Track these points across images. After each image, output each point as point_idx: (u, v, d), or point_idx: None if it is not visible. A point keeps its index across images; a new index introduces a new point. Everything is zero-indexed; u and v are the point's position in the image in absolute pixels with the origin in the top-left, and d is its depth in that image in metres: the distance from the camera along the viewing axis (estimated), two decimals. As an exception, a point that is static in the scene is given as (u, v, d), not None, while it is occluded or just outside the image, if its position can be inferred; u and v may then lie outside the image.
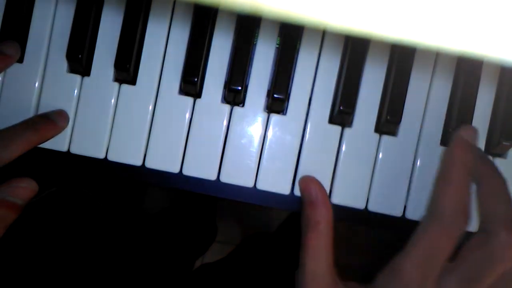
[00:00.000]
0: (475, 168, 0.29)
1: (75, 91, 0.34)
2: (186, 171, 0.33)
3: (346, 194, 0.34)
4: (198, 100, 0.34)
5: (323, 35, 0.34)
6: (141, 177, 0.34)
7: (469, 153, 0.29)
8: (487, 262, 0.27)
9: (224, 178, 0.34)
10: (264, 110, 0.34)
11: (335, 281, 0.30)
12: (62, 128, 0.33)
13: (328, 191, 0.34)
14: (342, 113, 0.33)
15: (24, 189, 0.30)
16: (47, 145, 0.33)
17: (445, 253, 0.27)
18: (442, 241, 0.27)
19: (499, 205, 0.28)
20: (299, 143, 0.34)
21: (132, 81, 0.34)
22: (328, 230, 0.30)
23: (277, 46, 0.34)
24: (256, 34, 0.34)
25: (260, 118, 0.34)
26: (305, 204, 0.31)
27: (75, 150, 0.33)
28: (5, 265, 0.48)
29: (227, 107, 0.34)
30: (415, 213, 0.34)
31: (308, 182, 0.32)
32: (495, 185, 0.29)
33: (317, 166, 0.33)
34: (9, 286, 0.47)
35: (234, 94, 0.33)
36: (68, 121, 0.33)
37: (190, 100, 0.34)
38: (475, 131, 0.30)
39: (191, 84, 0.33)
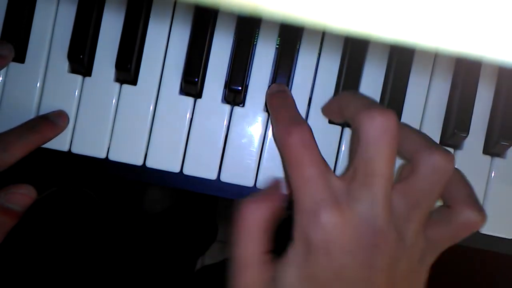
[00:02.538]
0: (337, 109, 0.31)
1: (76, 92, 0.34)
2: (187, 171, 0.34)
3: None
4: (198, 100, 0.34)
5: (323, 35, 0.34)
6: (142, 176, 0.34)
7: (281, 94, 0.32)
8: (368, 151, 0.26)
9: (224, 178, 0.34)
10: (264, 110, 0.34)
11: (264, 261, 0.28)
12: (62, 129, 0.33)
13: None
14: (341, 113, 0.33)
15: (22, 196, 0.30)
16: (48, 145, 0.33)
17: (316, 164, 0.27)
18: (305, 156, 0.27)
19: (352, 102, 0.28)
20: (299, 143, 0.34)
21: (133, 81, 0.34)
22: (263, 220, 0.28)
23: (277, 46, 0.34)
24: (256, 35, 0.34)
25: (260, 118, 0.34)
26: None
27: (76, 150, 0.34)
28: (5, 265, 0.48)
29: (227, 107, 0.34)
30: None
31: (274, 181, 0.31)
32: (347, 97, 0.30)
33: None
34: (9, 286, 0.47)
35: (234, 94, 0.33)
36: (68, 122, 0.33)
37: (190, 100, 0.34)
38: (280, 84, 0.33)
39: (192, 84, 0.33)
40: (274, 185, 0.31)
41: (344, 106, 0.29)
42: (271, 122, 0.33)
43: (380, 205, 0.26)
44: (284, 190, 0.30)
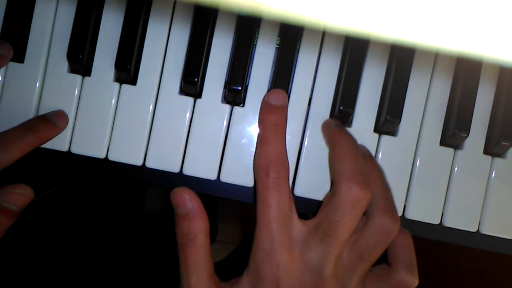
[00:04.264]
0: (327, 134, 0.33)
1: (76, 91, 0.34)
2: (187, 171, 0.34)
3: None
4: (198, 100, 0.34)
5: (323, 35, 0.34)
6: (141, 176, 0.34)
7: (274, 113, 0.31)
8: (336, 216, 0.28)
9: (224, 178, 0.34)
10: (264, 110, 0.34)
11: (212, 285, 0.30)
12: (62, 129, 0.33)
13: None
14: (342, 113, 0.33)
15: (19, 195, 0.30)
16: (48, 145, 0.33)
17: (282, 208, 0.29)
18: (274, 199, 0.29)
19: (342, 162, 0.30)
20: (299, 143, 0.34)
21: (133, 81, 0.34)
22: (206, 239, 0.30)
23: (277, 46, 0.34)
24: (256, 34, 0.34)
25: (260, 118, 0.34)
26: (179, 217, 0.30)
27: (75, 150, 0.34)
28: (5, 265, 0.48)
29: (227, 107, 0.34)
30: (415, 213, 0.34)
31: (180, 193, 0.30)
32: (340, 145, 0.31)
33: (316, 166, 0.34)
34: (9, 286, 0.47)
35: (234, 94, 0.33)
36: (67, 122, 0.33)
37: (190, 100, 0.34)
38: (280, 93, 0.32)
39: (192, 84, 0.33)
40: (192, 203, 0.30)
41: (337, 150, 0.31)
42: (257, 137, 0.32)
43: (330, 261, 0.29)
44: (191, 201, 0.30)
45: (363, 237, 0.30)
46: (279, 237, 0.29)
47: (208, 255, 0.30)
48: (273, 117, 0.31)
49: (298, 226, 0.30)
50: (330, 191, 0.33)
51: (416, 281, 0.31)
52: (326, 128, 0.33)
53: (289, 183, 0.30)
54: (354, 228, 0.29)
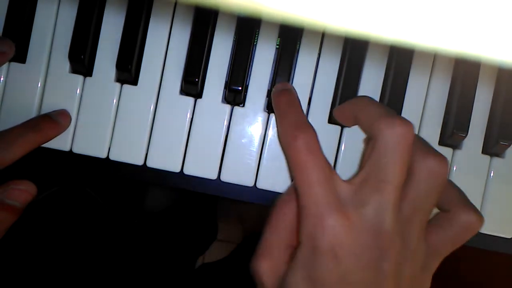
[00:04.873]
0: (343, 112, 0.32)
1: (77, 91, 0.34)
2: (187, 171, 0.34)
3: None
4: (198, 100, 0.34)
5: (323, 36, 0.34)
6: (142, 176, 0.34)
7: (285, 95, 0.32)
8: (385, 157, 0.26)
9: (224, 177, 0.34)
10: (264, 110, 0.34)
11: (288, 252, 0.28)
12: (64, 128, 0.33)
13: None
14: (341, 113, 0.33)
15: (22, 192, 0.30)
16: (50, 144, 0.34)
17: (320, 168, 0.27)
18: (310, 159, 0.27)
19: (374, 109, 0.28)
20: (299, 143, 0.34)
21: (134, 81, 0.34)
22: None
23: (277, 46, 0.34)
24: (256, 35, 0.34)
25: (260, 118, 0.34)
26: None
27: (77, 149, 0.34)
28: (6, 265, 0.48)
29: (227, 107, 0.34)
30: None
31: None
32: (363, 103, 0.30)
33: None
34: (10, 286, 0.47)
35: (234, 94, 0.33)
36: (70, 121, 0.34)
37: (191, 100, 0.34)
38: (285, 82, 0.33)
39: (192, 84, 0.33)
40: None
41: (360, 111, 0.30)
42: (276, 121, 0.33)
43: (389, 211, 0.26)
44: None
45: (411, 185, 0.27)
46: (325, 199, 0.26)
47: (292, 225, 0.28)
48: (284, 97, 0.31)
49: (344, 185, 0.27)
50: (368, 145, 0.31)
51: (481, 217, 0.28)
52: (339, 109, 0.33)
53: (320, 146, 0.28)
54: (406, 168, 0.26)
